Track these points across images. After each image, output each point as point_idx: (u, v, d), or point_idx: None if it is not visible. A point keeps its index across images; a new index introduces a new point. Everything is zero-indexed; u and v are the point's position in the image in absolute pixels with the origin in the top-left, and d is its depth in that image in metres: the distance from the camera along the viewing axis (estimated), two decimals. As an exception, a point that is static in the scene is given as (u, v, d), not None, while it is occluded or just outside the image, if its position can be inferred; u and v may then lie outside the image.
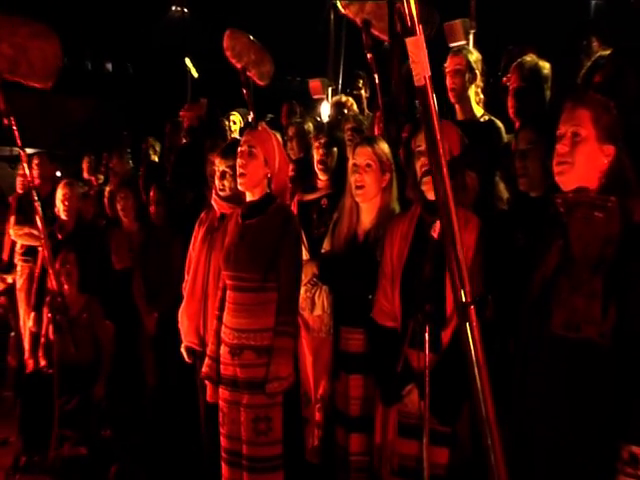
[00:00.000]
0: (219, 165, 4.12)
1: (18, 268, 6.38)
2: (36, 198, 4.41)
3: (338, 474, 3.59)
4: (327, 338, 3.79)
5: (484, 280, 2.87)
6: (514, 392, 2.43)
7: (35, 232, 5.71)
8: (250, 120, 5.96)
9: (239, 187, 3.66)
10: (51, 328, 4.64)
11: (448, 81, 4.17)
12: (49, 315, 4.57)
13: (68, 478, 4.68)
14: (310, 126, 5.39)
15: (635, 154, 2.44)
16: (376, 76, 4.41)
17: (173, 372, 4.68)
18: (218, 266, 3.85)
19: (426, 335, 2.53)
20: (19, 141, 4.27)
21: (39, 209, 4.44)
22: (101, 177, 7.52)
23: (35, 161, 6.54)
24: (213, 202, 4.19)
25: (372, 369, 3.26)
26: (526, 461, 2.33)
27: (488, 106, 4.25)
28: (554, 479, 2.31)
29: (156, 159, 7.20)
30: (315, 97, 7.52)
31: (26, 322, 6.00)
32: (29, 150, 6.82)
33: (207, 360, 3.69)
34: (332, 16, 8.56)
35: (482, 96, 4.21)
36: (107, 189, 6.41)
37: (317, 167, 4.18)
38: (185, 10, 15.48)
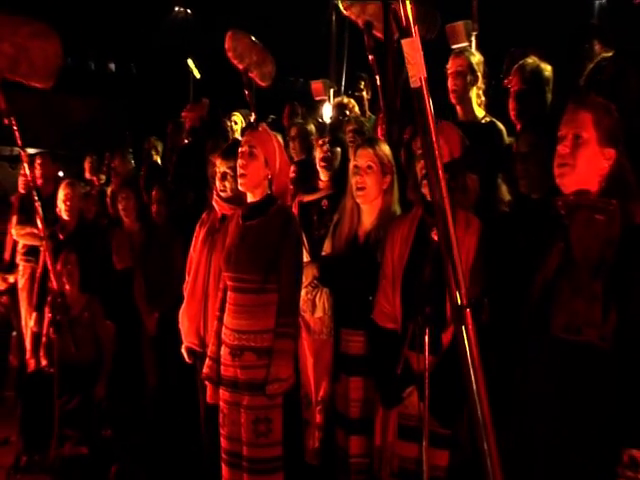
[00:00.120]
0: (220, 166, 4.12)
1: (20, 268, 6.38)
2: (36, 198, 4.39)
3: (338, 476, 3.59)
4: (328, 340, 3.79)
5: (485, 282, 2.86)
6: (514, 394, 2.42)
7: (37, 232, 5.71)
8: (252, 121, 5.97)
9: (239, 187, 3.65)
10: (52, 328, 4.63)
11: (449, 82, 4.16)
12: (49, 315, 4.56)
13: (69, 478, 4.67)
14: (312, 127, 5.38)
15: (636, 157, 2.43)
16: (377, 78, 4.41)
17: (173, 372, 4.68)
18: (219, 267, 3.84)
19: (426, 337, 2.53)
20: (19, 141, 4.26)
21: (39, 209, 4.43)
22: (103, 177, 7.52)
23: (38, 161, 6.55)
24: (214, 203, 4.19)
25: (372, 371, 3.25)
26: (526, 463, 2.33)
27: (490, 108, 4.24)
28: (554, 481, 2.31)
29: (158, 159, 7.21)
30: (317, 98, 7.50)
31: (28, 322, 6.00)
32: (31, 150, 6.84)
33: (207, 361, 3.68)
34: (334, 17, 8.56)
35: (483, 98, 4.20)
36: (110, 189, 6.41)
37: (320, 165, 4.17)
38: (188, 11, 15.50)
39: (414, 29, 1.60)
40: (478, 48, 5.57)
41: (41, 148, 8.91)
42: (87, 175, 7.55)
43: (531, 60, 3.88)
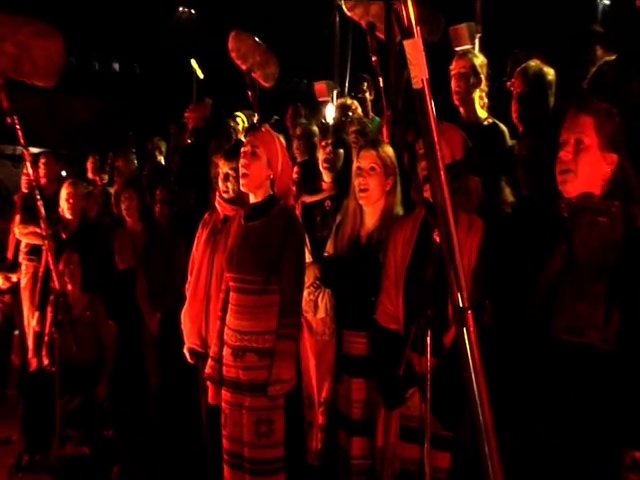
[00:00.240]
0: (222, 167, 4.12)
1: (23, 267, 6.38)
2: (39, 197, 4.39)
3: (339, 477, 3.58)
4: (330, 341, 3.78)
5: (487, 283, 2.85)
6: (516, 396, 2.42)
7: (39, 231, 5.71)
8: (255, 122, 5.97)
9: (242, 188, 3.64)
10: (54, 327, 4.63)
11: (453, 84, 4.17)
12: (52, 314, 4.56)
13: (70, 478, 4.67)
14: (316, 129, 5.39)
15: (637, 160, 2.43)
16: (381, 79, 4.41)
17: (175, 372, 4.68)
18: (221, 268, 3.84)
19: (428, 339, 2.53)
20: (22, 140, 4.26)
21: (42, 208, 4.43)
22: (105, 177, 7.53)
23: (42, 160, 6.56)
24: (216, 204, 4.19)
25: (374, 372, 3.24)
26: (527, 465, 2.33)
27: (493, 110, 4.24)
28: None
29: (162, 159, 7.22)
30: (320, 99, 7.52)
31: (30, 321, 6.01)
32: (34, 149, 6.84)
33: (210, 361, 3.68)
34: (338, 19, 8.57)
35: (486, 100, 4.21)
36: (114, 189, 6.42)
37: (322, 166, 4.18)
38: (192, 11, 15.51)
39: (416, 30, 1.60)
40: (481, 50, 5.58)
41: (44, 147, 8.92)
42: (89, 175, 7.56)
43: (534, 63, 3.88)
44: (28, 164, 4.57)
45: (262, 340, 3.47)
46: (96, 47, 15.72)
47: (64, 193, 5.77)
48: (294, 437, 3.73)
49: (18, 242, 6.47)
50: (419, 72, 1.60)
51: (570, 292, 2.31)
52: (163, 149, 7.22)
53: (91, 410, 4.92)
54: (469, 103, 4.14)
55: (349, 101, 5.84)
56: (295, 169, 4.59)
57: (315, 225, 4.12)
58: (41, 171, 6.36)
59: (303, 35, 12.21)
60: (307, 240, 3.93)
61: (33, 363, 5.76)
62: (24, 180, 6.68)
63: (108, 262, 5.57)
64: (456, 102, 4.17)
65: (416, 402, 2.92)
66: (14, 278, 6.47)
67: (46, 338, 5.14)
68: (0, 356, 6.58)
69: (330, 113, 7.12)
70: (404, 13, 1.57)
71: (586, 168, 2.35)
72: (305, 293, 3.77)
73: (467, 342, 1.53)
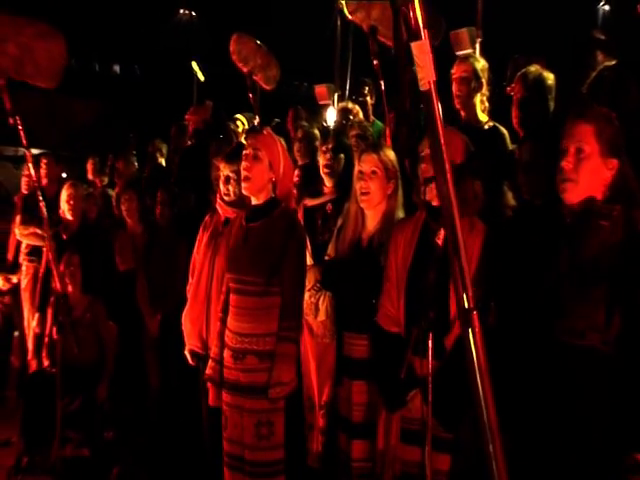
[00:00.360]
0: (223, 169, 4.13)
1: (23, 268, 6.39)
2: (41, 198, 4.40)
3: (340, 480, 3.59)
4: (331, 344, 3.79)
5: (488, 286, 2.85)
6: (518, 397, 2.43)
7: (40, 232, 5.74)
8: (256, 124, 5.98)
9: (243, 191, 3.65)
10: (55, 328, 4.64)
11: (454, 88, 4.18)
12: (53, 315, 4.57)
13: (70, 479, 4.67)
14: (316, 132, 5.40)
15: (637, 165, 2.45)
16: (382, 82, 4.42)
17: (175, 374, 4.69)
18: (222, 270, 3.85)
19: (429, 342, 2.53)
20: (24, 141, 4.26)
21: (44, 209, 4.43)
22: (105, 179, 7.53)
23: (43, 161, 6.57)
24: (217, 206, 4.20)
25: (375, 374, 3.24)
26: (528, 466, 2.34)
27: (494, 115, 4.26)
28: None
29: (163, 162, 7.23)
30: (321, 103, 7.52)
31: (30, 322, 6.02)
32: (34, 151, 6.85)
33: (210, 362, 3.68)
34: (339, 22, 8.58)
35: (487, 104, 4.22)
36: (115, 191, 6.43)
37: (323, 171, 4.19)
38: (193, 13, 15.54)
39: (424, 32, 1.62)
40: (482, 55, 5.59)
41: (44, 149, 8.92)
42: (89, 176, 7.56)
43: (534, 68, 3.90)
44: (30, 165, 4.58)
45: (262, 342, 3.48)
46: (96, 49, 15.72)
47: (65, 194, 5.78)
48: (294, 440, 3.73)
49: (18, 243, 6.48)
50: (426, 74, 1.62)
51: (571, 295, 2.33)
52: (164, 151, 7.23)
53: (91, 412, 4.92)
54: (470, 107, 4.16)
55: (350, 105, 5.85)
56: (296, 172, 4.60)
57: (316, 228, 4.13)
58: (42, 172, 6.37)
59: (304, 38, 12.23)
60: (308, 243, 3.93)
61: (33, 364, 5.77)
62: (24, 181, 6.70)
63: (108, 263, 5.58)
64: (457, 106, 4.19)
65: (417, 404, 2.92)
66: (14, 279, 6.48)
67: (46, 339, 5.15)
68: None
69: (331, 116, 7.13)
70: (412, 15, 1.59)
71: (587, 176, 2.38)
72: (306, 296, 3.77)
73: (472, 343, 1.54)
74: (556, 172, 2.48)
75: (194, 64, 9.30)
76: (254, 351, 3.48)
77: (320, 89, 7.60)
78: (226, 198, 4.13)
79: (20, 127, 4.18)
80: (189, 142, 6.93)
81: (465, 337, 1.54)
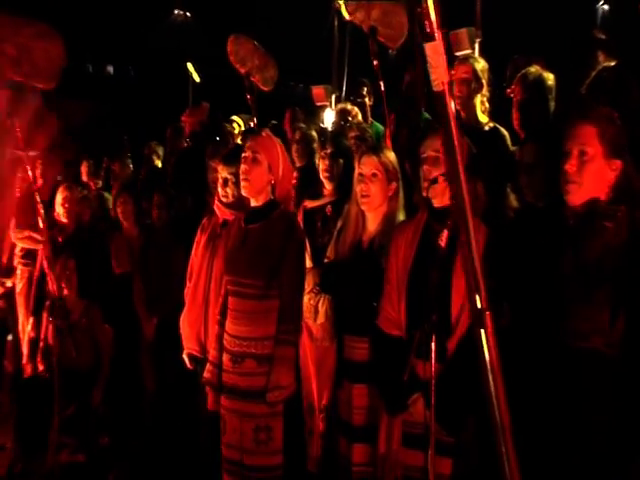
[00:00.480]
0: (222, 172, 4.14)
1: (18, 272, 6.34)
2: (39, 200, 4.40)
3: (339, 484, 3.59)
4: (330, 347, 3.80)
5: (491, 288, 2.86)
6: (522, 400, 2.44)
7: (35, 235, 5.71)
8: (252, 126, 5.99)
9: (242, 193, 3.66)
10: (50, 333, 4.64)
11: (454, 89, 4.19)
12: (50, 319, 4.56)
13: (65, 485, 4.67)
14: (314, 133, 5.41)
15: (638, 165, 2.47)
16: (381, 83, 4.44)
17: (172, 378, 4.69)
18: (220, 272, 3.86)
19: (432, 345, 2.54)
20: (22, 143, 4.27)
21: (42, 211, 4.44)
22: (99, 182, 7.52)
23: (38, 163, 6.55)
24: (215, 208, 4.21)
25: (376, 378, 3.25)
26: (533, 468, 2.35)
27: (494, 116, 4.27)
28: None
29: (159, 164, 7.23)
30: (318, 104, 7.53)
31: (25, 326, 6.00)
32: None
33: (208, 366, 3.69)
34: (336, 22, 8.58)
35: (487, 105, 4.24)
36: (112, 193, 6.43)
37: (323, 175, 4.20)
38: (187, 14, 15.55)
39: (438, 33, 1.64)
40: (481, 55, 5.61)
41: (36, 151, 8.89)
42: (84, 179, 7.55)
43: (534, 69, 3.92)
44: (28, 167, 4.58)
45: (261, 346, 3.49)
46: (90, 49, 15.69)
47: (60, 197, 5.77)
48: (294, 445, 3.74)
49: (13, 246, 6.45)
50: (440, 75, 1.64)
51: (575, 297, 2.35)
52: (160, 153, 7.24)
53: (87, 416, 4.92)
54: (470, 108, 4.17)
55: (349, 106, 5.86)
56: (294, 174, 4.61)
57: (316, 230, 4.13)
58: (37, 174, 6.36)
59: (299, 38, 12.23)
60: (307, 245, 3.95)
61: (27, 369, 5.74)
62: (20, 183, 6.66)
63: (104, 267, 5.58)
64: (457, 107, 4.19)
65: (419, 408, 2.94)
66: (9, 283, 6.44)
67: (41, 344, 5.13)
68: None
69: (329, 118, 7.13)
70: (426, 16, 1.61)
71: (590, 177, 2.39)
72: (305, 299, 3.79)
73: (485, 343, 1.56)
74: (558, 174, 2.49)
75: (190, 65, 9.30)
76: (253, 354, 3.49)
77: (317, 90, 7.61)
78: (224, 200, 4.14)
79: (18, 129, 4.18)
80: (185, 144, 6.93)
81: (477, 338, 1.55)
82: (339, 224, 3.80)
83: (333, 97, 7.61)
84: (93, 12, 14.05)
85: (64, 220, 5.76)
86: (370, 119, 6.11)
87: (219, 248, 4.01)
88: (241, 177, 3.61)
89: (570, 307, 2.36)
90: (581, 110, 2.55)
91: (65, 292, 5.08)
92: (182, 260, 4.55)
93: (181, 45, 13.48)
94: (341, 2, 5.10)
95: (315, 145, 5.30)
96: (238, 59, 5.28)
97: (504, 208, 3.47)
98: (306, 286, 3.78)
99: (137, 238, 5.54)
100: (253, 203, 3.66)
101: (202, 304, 4.11)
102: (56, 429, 4.45)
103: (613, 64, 3.62)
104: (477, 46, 5.94)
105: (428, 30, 1.63)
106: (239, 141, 6.70)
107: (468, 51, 5.74)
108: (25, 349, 5.85)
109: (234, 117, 7.28)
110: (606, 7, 12.97)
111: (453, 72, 4.22)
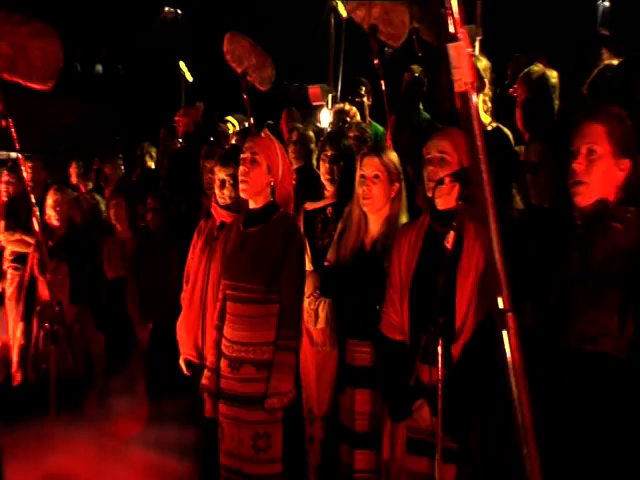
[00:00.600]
0: (218, 173, 4.15)
1: (8, 276, 6.35)
2: (34, 201, 4.40)
3: (341, 492, 3.60)
4: (332, 352, 3.80)
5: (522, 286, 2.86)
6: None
7: (26, 238, 5.73)
8: (247, 126, 6.00)
9: (241, 194, 3.67)
10: (41, 339, 4.63)
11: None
12: (46, 325, 4.54)
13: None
14: (311, 134, 5.42)
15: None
16: (383, 83, 4.45)
17: (167, 384, 4.68)
18: (218, 276, 3.86)
19: (439, 349, 2.56)
20: (17, 144, 4.26)
21: (37, 214, 4.44)
22: (90, 183, 7.51)
23: (29, 165, 6.53)
24: (212, 210, 4.22)
25: (380, 383, 3.27)
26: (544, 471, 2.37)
27: (495, 116, 4.29)
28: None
29: (153, 165, 7.22)
30: (314, 104, 7.55)
31: (15, 332, 5.98)
32: (12, 154, 6.81)
33: (206, 372, 3.70)
34: (332, 21, 8.62)
35: (490, 104, 4.25)
36: (106, 195, 6.42)
37: (324, 178, 4.20)
38: (178, 11, 15.55)
39: (461, 33, 1.66)
40: (481, 53, 5.64)
41: (25, 152, 8.87)
42: (73, 180, 7.53)
43: (537, 67, 3.95)
44: (23, 169, 4.57)
45: (260, 351, 3.49)
46: (78, 48, 15.65)
47: (50, 200, 5.76)
48: (293, 452, 3.75)
49: (2, 250, 6.44)
50: (463, 75, 1.66)
51: (583, 299, 2.36)
52: (153, 154, 7.23)
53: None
54: (473, 108, 4.17)
55: (347, 107, 5.87)
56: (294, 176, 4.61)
57: (316, 233, 4.13)
58: (27, 177, 6.35)
59: (293, 36, 12.24)
60: (307, 248, 3.96)
61: (17, 377, 5.74)
62: (3, 187, 6.64)
63: (96, 271, 5.58)
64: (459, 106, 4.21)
65: (424, 414, 2.95)
66: (-2, 288, 6.45)
67: (32, 351, 5.13)
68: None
69: (325, 117, 7.15)
70: (449, 17, 1.63)
71: (599, 177, 2.40)
72: (305, 303, 3.80)
73: (508, 344, 1.58)
74: (565, 173, 2.51)
75: (182, 64, 9.30)
76: (251, 360, 3.50)
77: (314, 90, 7.63)
78: (221, 202, 4.14)
79: (13, 130, 4.17)
80: (179, 145, 6.94)
81: (499, 339, 1.57)
82: (340, 227, 3.81)
83: (330, 96, 7.62)
84: (81, 10, 14.03)
85: (55, 223, 5.75)
86: (368, 119, 6.13)
87: (216, 251, 4.01)
88: (240, 179, 3.61)
89: (578, 310, 2.37)
90: (589, 109, 2.56)
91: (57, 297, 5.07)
92: (177, 263, 4.55)
93: (171, 43, 13.46)
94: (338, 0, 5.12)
95: (312, 146, 5.32)
96: (234, 58, 5.28)
97: (509, 209, 3.49)
98: (305, 290, 3.78)
99: (131, 241, 5.53)
100: (252, 205, 3.66)
101: (199, 309, 4.11)
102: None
103: (616, 62, 3.64)
104: (477, 44, 5.97)
105: (451, 30, 1.64)
106: (233, 142, 6.74)
107: (469, 49, 5.75)
108: (15, 356, 5.85)
109: (229, 117, 7.29)
110: (607, 4, 13.04)
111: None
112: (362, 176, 3.54)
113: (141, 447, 4.28)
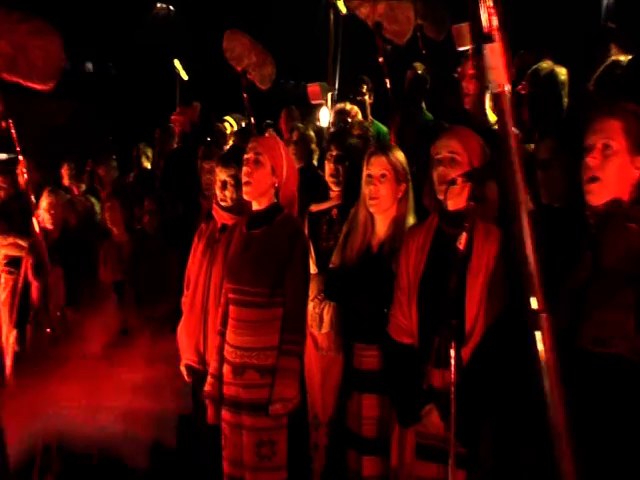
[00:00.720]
0: (219, 174, 4.16)
1: (2, 280, 6.33)
2: (34, 202, 4.40)
3: (348, 500, 3.60)
4: (337, 357, 3.82)
5: (508, 291, 2.89)
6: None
7: (20, 242, 5.72)
8: (247, 125, 6.01)
9: (244, 196, 3.67)
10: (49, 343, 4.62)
11: (463, 86, 4.23)
12: (48, 331, 4.54)
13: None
14: (312, 133, 5.44)
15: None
16: (387, 81, 4.46)
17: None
18: (220, 280, 3.87)
19: (452, 352, 2.57)
20: (17, 145, 4.27)
21: (34, 218, 4.44)
22: (83, 185, 7.51)
23: (21, 167, 6.53)
24: (213, 212, 4.23)
25: (388, 387, 3.28)
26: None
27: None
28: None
29: (149, 166, 7.23)
30: (314, 102, 7.55)
31: (8, 338, 5.97)
32: (3, 155, 6.81)
33: (209, 378, 3.70)
34: (332, 17, 8.61)
35: (495, 102, 4.26)
36: (102, 197, 6.42)
37: (329, 180, 4.22)
38: (171, 8, 15.53)
39: (497, 34, 1.68)
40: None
41: (14, 154, 8.85)
42: (65, 182, 7.52)
43: (545, 64, 3.97)
44: (24, 170, 4.57)
45: (263, 357, 3.50)
46: (68, 46, 15.62)
47: (44, 203, 5.76)
48: (298, 459, 3.76)
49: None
50: (499, 77, 1.69)
51: (596, 301, 2.37)
52: (150, 155, 7.23)
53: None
54: (480, 106, 4.21)
55: (348, 106, 5.88)
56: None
57: (321, 235, 4.15)
58: (21, 179, 6.36)
59: (290, 33, 12.23)
60: (312, 250, 3.98)
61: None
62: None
63: (91, 275, 5.58)
64: (466, 105, 4.24)
65: (433, 419, 2.97)
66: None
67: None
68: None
69: (324, 116, 7.16)
70: (484, 17, 1.65)
71: (614, 174, 2.41)
72: (310, 306, 3.81)
73: (541, 346, 1.60)
74: (577, 171, 2.52)
75: (177, 62, 9.30)
76: (255, 366, 3.51)
77: (313, 88, 7.62)
78: (223, 204, 4.15)
79: (13, 131, 4.16)
80: (175, 145, 6.94)
81: (532, 340, 1.60)
82: (345, 229, 3.81)
83: (329, 95, 7.62)
84: (70, 7, 14.00)
85: (49, 226, 5.75)
86: (370, 118, 6.14)
87: (218, 254, 4.02)
88: (243, 180, 3.61)
89: (590, 312, 2.38)
90: (605, 104, 2.57)
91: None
92: (175, 267, 4.56)
93: (165, 41, 13.43)
94: (340, -4, 5.13)
95: (313, 145, 5.34)
96: (234, 56, 5.29)
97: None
98: (310, 293, 3.79)
99: (127, 244, 5.54)
100: (255, 207, 3.67)
101: (201, 313, 4.12)
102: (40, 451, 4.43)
103: (623, 58, 3.66)
104: (479, 43, 5.96)
105: (487, 31, 1.67)
106: (231, 142, 6.75)
107: (469, 47, 5.77)
108: (9, 361, 5.84)
109: (226, 117, 7.30)
110: (611, -1, 13.05)
111: (461, 69, 4.26)
112: (369, 176, 3.53)
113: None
